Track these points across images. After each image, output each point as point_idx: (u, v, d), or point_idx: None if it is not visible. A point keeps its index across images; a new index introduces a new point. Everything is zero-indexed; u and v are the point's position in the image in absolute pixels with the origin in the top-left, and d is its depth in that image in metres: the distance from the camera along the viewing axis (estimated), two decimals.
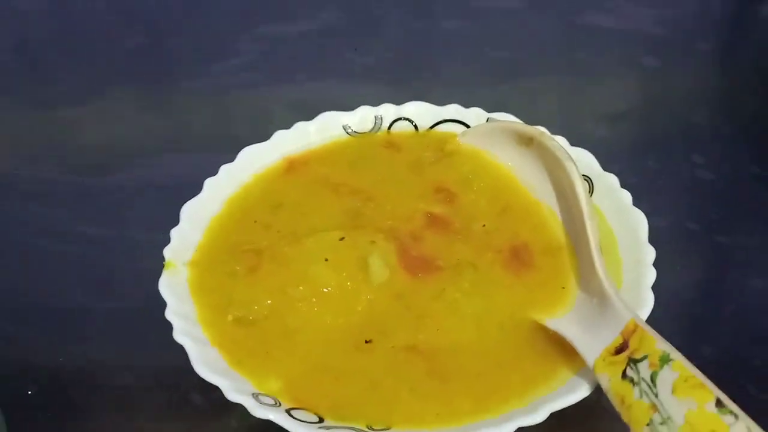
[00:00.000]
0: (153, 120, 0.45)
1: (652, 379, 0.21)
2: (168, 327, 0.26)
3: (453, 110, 0.36)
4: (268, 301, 0.28)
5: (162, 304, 0.27)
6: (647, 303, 0.27)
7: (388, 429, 0.24)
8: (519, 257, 0.30)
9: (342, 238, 0.30)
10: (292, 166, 0.34)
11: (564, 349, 0.26)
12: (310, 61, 0.48)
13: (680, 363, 0.21)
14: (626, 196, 0.31)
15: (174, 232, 0.30)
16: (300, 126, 0.35)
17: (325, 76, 0.46)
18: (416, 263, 0.29)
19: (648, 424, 0.21)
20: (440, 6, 0.53)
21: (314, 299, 0.28)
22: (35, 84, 0.47)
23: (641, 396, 0.21)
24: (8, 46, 0.49)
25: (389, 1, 0.53)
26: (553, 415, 0.24)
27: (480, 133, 0.35)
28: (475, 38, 0.49)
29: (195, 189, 0.32)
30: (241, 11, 0.52)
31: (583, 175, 0.31)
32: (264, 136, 0.35)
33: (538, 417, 0.24)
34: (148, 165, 0.41)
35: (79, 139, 0.43)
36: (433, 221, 0.31)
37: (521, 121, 0.35)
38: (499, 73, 0.46)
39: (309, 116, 0.36)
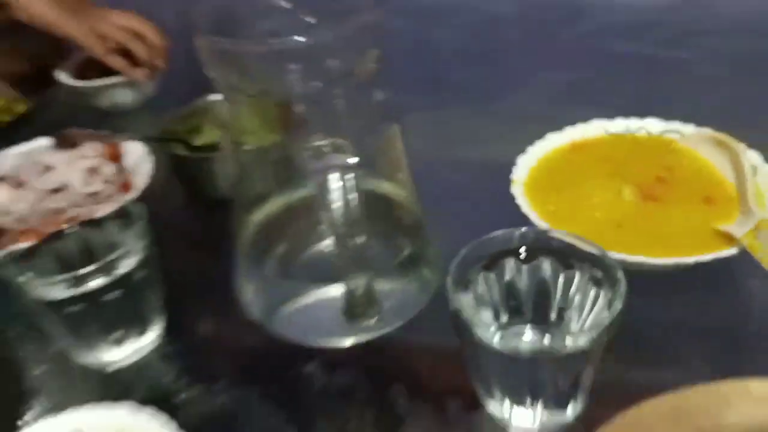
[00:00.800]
0: (480, 119, 0.73)
1: None
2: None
3: (675, 125, 0.61)
4: (567, 203, 0.54)
5: (505, 205, 0.54)
6: None
7: (628, 253, 0.48)
8: (708, 200, 0.54)
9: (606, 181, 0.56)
10: (575, 147, 0.61)
11: (727, 238, 0.49)
12: (575, 98, 0.75)
13: None
14: None
15: (514, 170, 0.57)
16: (579, 125, 0.62)
17: (586, 111, 0.72)
18: (648, 196, 0.54)
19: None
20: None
21: (590, 204, 0.54)
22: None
23: (763, 243, 0.45)
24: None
25: (629, 61, 0.79)
26: None
27: (691, 138, 0.59)
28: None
29: (507, 162, 0.58)
30: (530, 64, 0.81)
31: (752, 165, 0.54)
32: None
33: (708, 258, 0.47)
34: (481, 145, 0.69)
35: (449, 130, 0.73)
36: (659, 180, 0.56)
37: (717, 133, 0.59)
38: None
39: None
